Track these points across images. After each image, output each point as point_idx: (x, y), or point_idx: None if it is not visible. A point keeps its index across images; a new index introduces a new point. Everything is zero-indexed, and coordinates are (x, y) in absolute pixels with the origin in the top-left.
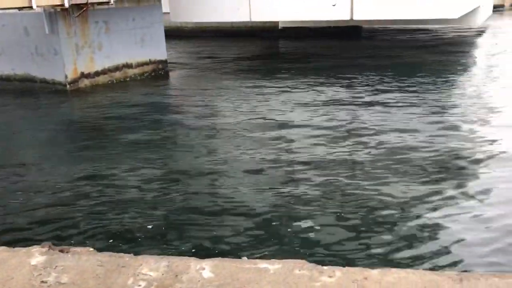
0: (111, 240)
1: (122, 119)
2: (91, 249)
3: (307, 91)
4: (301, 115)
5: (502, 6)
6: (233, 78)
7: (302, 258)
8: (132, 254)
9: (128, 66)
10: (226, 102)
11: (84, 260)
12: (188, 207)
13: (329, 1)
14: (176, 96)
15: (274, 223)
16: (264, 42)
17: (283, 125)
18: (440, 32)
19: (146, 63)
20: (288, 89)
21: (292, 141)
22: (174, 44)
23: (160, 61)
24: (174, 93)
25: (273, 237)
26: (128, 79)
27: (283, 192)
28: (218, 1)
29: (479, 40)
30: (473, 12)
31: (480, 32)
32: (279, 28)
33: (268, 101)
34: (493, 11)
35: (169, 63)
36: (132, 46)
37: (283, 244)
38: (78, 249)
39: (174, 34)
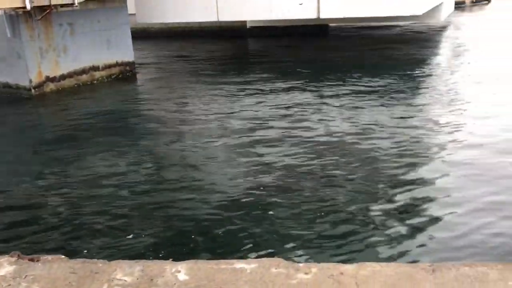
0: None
1: (89, 125)
2: (63, 256)
3: (275, 91)
4: (269, 114)
5: (463, 2)
6: (201, 79)
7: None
8: (105, 260)
9: (95, 68)
10: (195, 105)
11: (55, 268)
12: (160, 217)
13: (296, 0)
14: (144, 99)
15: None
16: (232, 41)
17: (251, 125)
18: (405, 29)
19: (113, 65)
20: (255, 89)
21: (263, 142)
22: (141, 45)
23: (128, 63)
24: (142, 96)
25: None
26: (95, 81)
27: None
28: (185, 1)
29: (443, 36)
30: (436, 8)
31: (443, 28)
32: (247, 27)
33: (236, 101)
34: (455, 7)
35: (137, 64)
36: (98, 48)
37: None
38: (49, 257)
39: (141, 35)
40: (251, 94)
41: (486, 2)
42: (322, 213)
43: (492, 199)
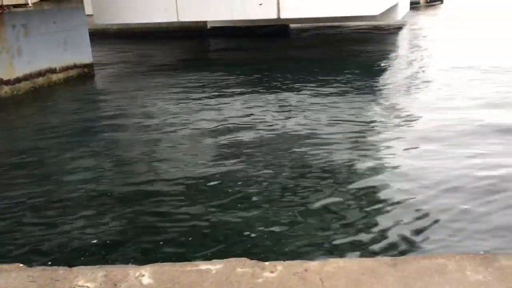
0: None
1: (44, 133)
2: (21, 264)
3: (235, 89)
4: (229, 113)
5: (418, 2)
6: (161, 80)
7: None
8: (66, 267)
9: (52, 71)
10: (155, 106)
11: (13, 277)
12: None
13: (256, 0)
14: (103, 101)
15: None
16: (193, 42)
17: (209, 123)
18: (363, 28)
19: (71, 67)
20: (215, 88)
21: (222, 139)
22: (100, 46)
23: (86, 65)
24: (101, 98)
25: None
26: (52, 84)
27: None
28: (144, 2)
29: (399, 34)
30: (392, 8)
31: (400, 27)
32: (208, 27)
33: (194, 101)
34: (410, 7)
35: (95, 66)
36: (54, 50)
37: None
38: (6, 266)
39: (100, 36)
40: (210, 93)
41: (440, 2)
42: (282, 206)
43: (447, 189)
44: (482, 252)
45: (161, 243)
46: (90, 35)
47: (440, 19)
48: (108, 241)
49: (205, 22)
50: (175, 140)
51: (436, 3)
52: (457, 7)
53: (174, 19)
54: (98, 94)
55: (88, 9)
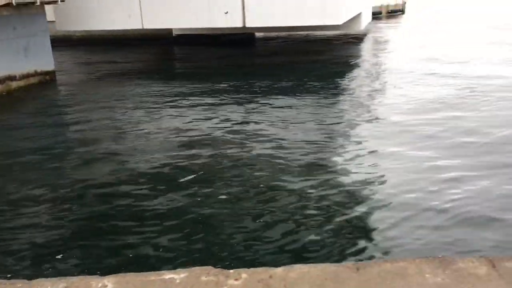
0: None
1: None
2: None
3: (198, 98)
4: (193, 118)
5: (380, 13)
6: (124, 88)
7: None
8: (25, 280)
9: (11, 78)
10: (118, 115)
11: None
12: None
13: (221, 8)
14: (65, 108)
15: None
16: (157, 49)
17: (169, 132)
18: (328, 37)
19: (32, 75)
20: (178, 97)
21: (184, 146)
22: (62, 53)
23: (47, 72)
24: (63, 105)
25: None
26: (12, 92)
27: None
28: (108, 8)
29: (363, 43)
30: (355, 18)
31: (363, 36)
32: (173, 35)
33: (156, 109)
34: (373, 17)
35: (58, 73)
36: (14, 57)
37: None
38: None
39: (63, 43)
40: (173, 102)
41: (401, 12)
42: (245, 212)
43: (411, 190)
44: (440, 256)
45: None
46: (52, 41)
47: (401, 29)
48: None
49: (170, 30)
50: (132, 151)
51: (397, 13)
52: (417, 18)
53: (139, 27)
54: (59, 101)
55: (50, 16)
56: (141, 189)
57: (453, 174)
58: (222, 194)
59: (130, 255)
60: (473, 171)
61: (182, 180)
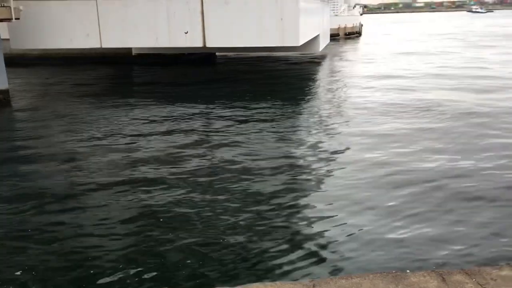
0: None
1: None
2: None
3: (156, 118)
4: (148, 133)
5: (338, 35)
6: (78, 108)
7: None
8: None
9: None
10: (73, 134)
11: None
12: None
13: (181, 28)
14: (18, 129)
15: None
16: (116, 69)
17: (122, 153)
18: (287, 58)
19: None
20: (136, 117)
21: (137, 165)
22: (18, 72)
23: (1, 91)
24: (16, 125)
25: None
26: None
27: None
28: (66, 27)
29: (321, 64)
30: (314, 40)
31: (322, 57)
32: (133, 54)
33: (112, 130)
34: (331, 39)
35: (12, 92)
36: None
37: None
38: None
39: (18, 61)
40: (131, 122)
41: (357, 35)
42: (206, 227)
43: (366, 207)
44: (393, 271)
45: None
46: (6, 60)
47: (357, 50)
48: None
49: (129, 49)
50: (85, 173)
51: (354, 35)
52: (372, 41)
53: (97, 45)
54: (12, 121)
55: (4, 34)
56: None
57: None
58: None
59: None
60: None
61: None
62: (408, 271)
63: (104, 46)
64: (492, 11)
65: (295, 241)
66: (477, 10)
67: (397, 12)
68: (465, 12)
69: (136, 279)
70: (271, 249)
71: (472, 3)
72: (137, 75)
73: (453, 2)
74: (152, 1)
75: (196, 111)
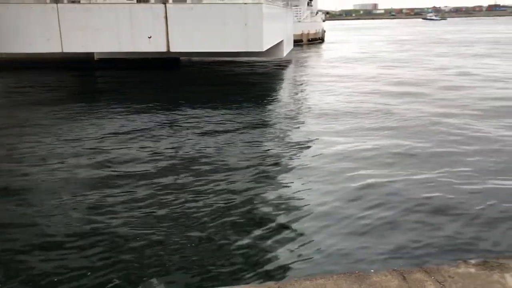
0: None
1: None
2: None
3: (119, 122)
4: (111, 143)
5: (301, 41)
6: (38, 114)
7: None
8: None
9: None
10: (31, 143)
11: None
12: None
13: (144, 33)
14: None
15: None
16: (78, 73)
17: (83, 160)
18: (252, 63)
19: None
20: (97, 124)
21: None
22: None
23: None
24: None
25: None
26: None
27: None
28: (26, 31)
29: (286, 69)
30: (277, 46)
31: (286, 62)
32: (95, 59)
33: (70, 139)
34: (294, 45)
35: None
36: None
37: None
38: None
39: None
40: (92, 129)
41: (320, 41)
42: (173, 228)
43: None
44: (356, 271)
45: None
46: None
47: (320, 56)
48: None
49: (91, 53)
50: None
51: (317, 41)
52: (334, 47)
53: (58, 50)
54: None
55: None
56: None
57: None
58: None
59: None
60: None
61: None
62: (372, 270)
63: (65, 50)
64: (446, 19)
65: (261, 241)
66: (432, 18)
67: (358, 19)
68: (420, 20)
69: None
70: (237, 249)
71: (429, 11)
72: (99, 80)
73: (412, 10)
74: (115, 5)
75: (159, 112)
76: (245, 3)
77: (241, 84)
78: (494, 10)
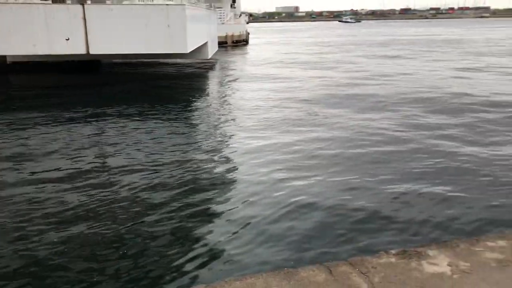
0: None
1: None
2: None
3: (40, 128)
4: (37, 151)
5: (226, 42)
6: None
7: None
8: None
9: None
10: None
11: None
12: None
13: (62, 34)
14: None
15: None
16: None
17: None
18: (177, 64)
19: None
20: (16, 130)
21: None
22: None
23: None
24: None
25: None
26: None
27: None
28: None
29: (211, 71)
30: (202, 47)
31: (211, 64)
32: (8, 62)
33: None
34: (219, 46)
35: None
36: None
37: None
38: None
39: None
40: (11, 137)
41: (245, 43)
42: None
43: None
44: (285, 268)
45: None
46: None
47: (244, 57)
48: None
49: (4, 56)
50: None
51: (241, 43)
52: (258, 49)
53: None
54: None
55: None
56: None
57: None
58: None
59: None
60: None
61: None
62: (300, 268)
63: None
64: (360, 21)
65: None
66: (347, 20)
67: (281, 21)
68: (336, 22)
69: None
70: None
71: (347, 13)
72: (12, 86)
73: (332, 13)
74: (28, 5)
75: (78, 119)
76: (167, 4)
77: (164, 87)
78: (406, 14)
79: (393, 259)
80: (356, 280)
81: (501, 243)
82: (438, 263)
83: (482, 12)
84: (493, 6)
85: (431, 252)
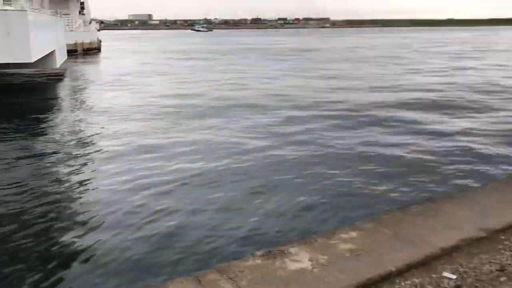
0: None
1: None
2: None
3: None
4: None
5: (76, 51)
6: None
7: None
8: None
9: None
10: None
11: None
12: None
13: None
14: None
15: None
16: None
17: None
18: (23, 75)
19: None
20: None
21: None
22: None
23: None
24: None
25: None
26: None
27: None
28: None
29: (61, 80)
30: (49, 56)
31: (61, 74)
32: None
33: None
34: (68, 55)
35: None
36: None
37: None
38: None
39: None
40: None
41: (97, 51)
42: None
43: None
44: (153, 284)
45: None
46: None
47: (95, 66)
48: None
49: None
50: None
51: (93, 51)
52: (113, 56)
53: None
54: None
55: None
56: None
57: None
58: None
59: None
60: None
61: None
62: (168, 282)
63: None
64: (212, 30)
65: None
66: (199, 29)
67: (135, 29)
68: (190, 31)
69: None
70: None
71: (201, 22)
72: None
73: (186, 21)
74: None
75: None
76: (5, 10)
77: (10, 99)
78: (257, 23)
79: (259, 261)
80: (224, 286)
81: (353, 234)
82: (300, 259)
83: (324, 23)
84: (332, 17)
85: (293, 250)
